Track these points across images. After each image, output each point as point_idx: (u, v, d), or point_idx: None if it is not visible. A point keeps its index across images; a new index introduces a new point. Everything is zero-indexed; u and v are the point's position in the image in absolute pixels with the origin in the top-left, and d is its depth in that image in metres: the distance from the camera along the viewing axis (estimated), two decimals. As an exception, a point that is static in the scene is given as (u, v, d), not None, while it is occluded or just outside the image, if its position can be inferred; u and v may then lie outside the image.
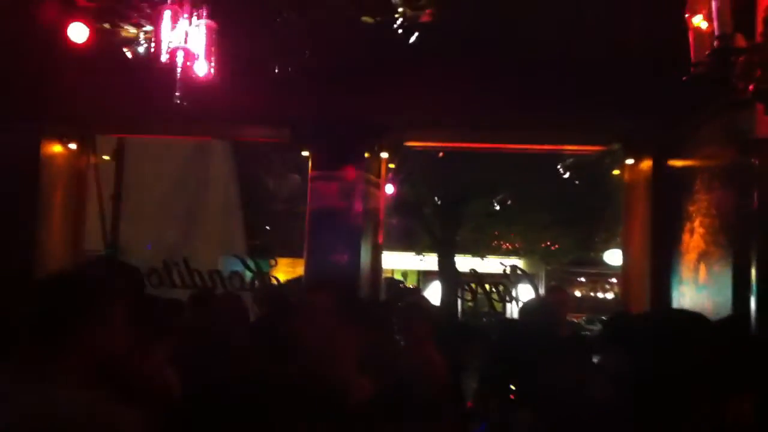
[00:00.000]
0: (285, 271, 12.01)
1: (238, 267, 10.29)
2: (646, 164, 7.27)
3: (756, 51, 2.41)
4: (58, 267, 7.65)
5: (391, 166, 8.37)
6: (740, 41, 2.39)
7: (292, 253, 13.08)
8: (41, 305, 2.34)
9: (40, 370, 2.22)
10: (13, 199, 7.46)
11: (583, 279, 17.18)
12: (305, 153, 7.82)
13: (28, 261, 7.39)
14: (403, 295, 13.00)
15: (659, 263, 6.96)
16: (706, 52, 2.43)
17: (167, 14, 4.79)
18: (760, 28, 2.52)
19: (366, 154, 7.68)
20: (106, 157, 9.22)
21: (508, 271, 12.15)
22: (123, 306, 2.39)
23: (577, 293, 15.83)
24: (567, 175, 13.06)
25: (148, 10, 5.77)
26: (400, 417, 2.64)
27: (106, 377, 2.33)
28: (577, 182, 13.75)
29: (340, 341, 2.68)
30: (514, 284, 12.56)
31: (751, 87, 2.35)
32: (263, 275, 9.67)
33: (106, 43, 6.38)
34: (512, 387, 4.92)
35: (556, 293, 6.17)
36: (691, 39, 2.61)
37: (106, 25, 6.29)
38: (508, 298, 11.47)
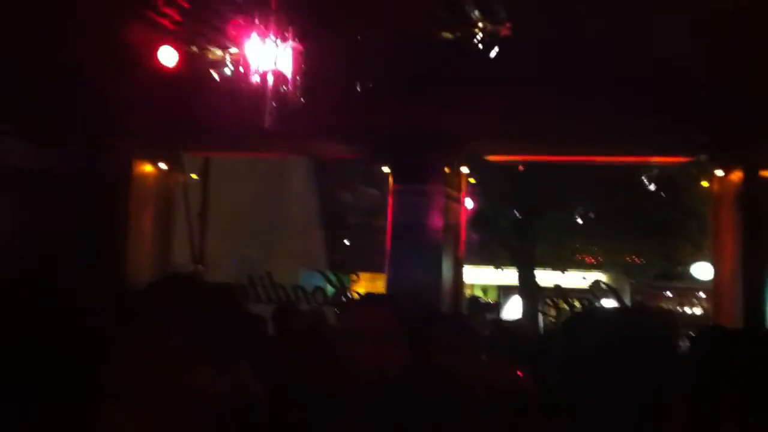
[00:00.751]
0: (365, 285, 12.07)
1: (320, 282, 10.40)
2: (737, 176, 7.04)
3: None
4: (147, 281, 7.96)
5: (472, 180, 8.35)
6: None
7: (372, 267, 13.16)
8: (91, 321, 2.38)
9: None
10: (106, 217, 7.76)
11: (669, 293, 16.65)
12: (385, 168, 7.88)
13: (120, 276, 7.66)
14: (482, 311, 12.90)
15: (752, 277, 6.73)
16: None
17: (254, 37, 4.93)
18: None
19: (446, 169, 7.69)
20: (193, 176, 9.49)
21: (590, 285, 11.89)
22: (175, 320, 2.41)
23: (665, 308, 15.35)
24: (652, 187, 12.73)
25: (234, 33, 5.95)
26: None
27: (154, 391, 2.35)
28: (663, 194, 13.38)
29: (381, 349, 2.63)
30: (599, 299, 12.30)
31: None
32: (345, 290, 9.76)
33: (193, 65, 6.60)
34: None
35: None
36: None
37: (194, 48, 6.51)
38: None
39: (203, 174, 9.96)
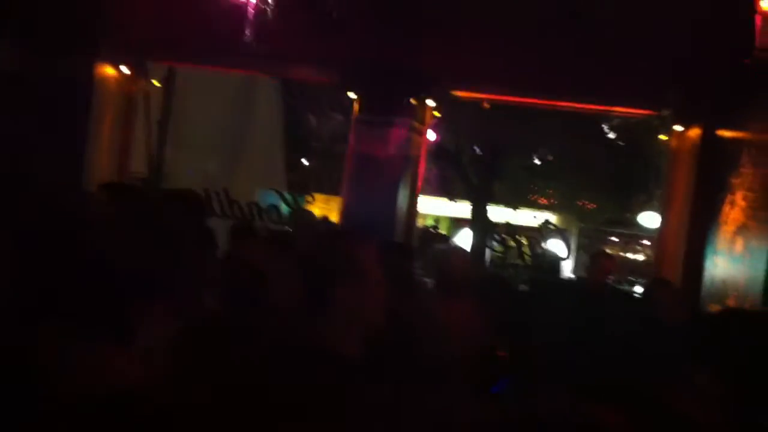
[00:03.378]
0: (320, 207, 12.17)
1: (276, 200, 10.44)
2: (695, 133, 7.24)
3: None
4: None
5: (436, 114, 8.41)
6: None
7: (329, 190, 13.24)
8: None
9: None
10: (67, 120, 7.64)
11: (615, 239, 17.14)
12: (352, 95, 7.88)
13: (79, 180, 7.61)
14: (433, 242, 13.12)
15: (696, 231, 6.99)
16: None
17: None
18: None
19: (413, 101, 7.73)
20: (156, 84, 9.32)
21: (539, 225, 12.16)
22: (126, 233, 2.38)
23: (609, 252, 15.81)
24: (612, 136, 12.95)
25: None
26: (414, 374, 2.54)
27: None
28: (621, 143, 13.65)
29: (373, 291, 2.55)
30: (546, 239, 12.61)
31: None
32: (300, 210, 9.82)
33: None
34: (542, 343, 5.04)
35: (603, 259, 6.19)
36: (757, 22, 2.61)
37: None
38: (538, 252, 11.52)
39: (168, 83, 9.81)
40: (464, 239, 17.02)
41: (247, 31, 5.41)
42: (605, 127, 13.39)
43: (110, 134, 8.39)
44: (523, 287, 7.38)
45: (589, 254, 10.03)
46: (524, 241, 12.64)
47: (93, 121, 7.96)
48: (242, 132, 11.37)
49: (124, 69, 8.28)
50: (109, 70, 8.17)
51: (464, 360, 3.92)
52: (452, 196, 18.00)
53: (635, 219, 16.67)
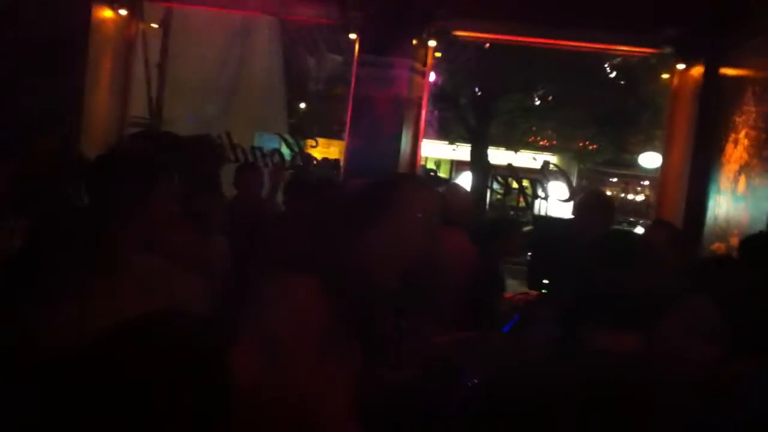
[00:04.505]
0: (320, 151, 12.15)
1: (276, 144, 10.40)
2: (697, 71, 7.18)
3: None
4: (103, 133, 7.90)
5: (437, 54, 8.32)
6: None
7: (328, 134, 13.21)
8: (88, 183, 2.40)
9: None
10: (63, 63, 7.55)
11: (615, 180, 17.17)
12: (353, 36, 7.79)
13: (77, 124, 7.56)
14: (435, 185, 13.12)
15: (698, 170, 6.98)
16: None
17: None
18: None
19: (414, 41, 7.64)
20: (153, 25, 9.19)
21: (540, 166, 12.12)
22: (166, 180, 2.41)
23: (608, 193, 15.85)
24: (612, 75, 12.84)
25: None
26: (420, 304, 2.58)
27: (154, 249, 2.38)
28: (621, 83, 13.53)
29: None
30: (547, 180, 12.61)
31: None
32: (304, 155, 9.80)
33: None
34: (546, 281, 5.11)
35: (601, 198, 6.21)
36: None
37: None
38: (540, 194, 11.51)
39: (165, 25, 9.67)
40: (465, 182, 17.04)
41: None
42: (606, 67, 13.28)
43: (109, 78, 8.30)
44: (526, 228, 7.42)
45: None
46: (525, 182, 12.64)
47: (90, 65, 7.86)
48: (240, 74, 11.27)
49: (121, 11, 8.15)
50: (106, 12, 8.05)
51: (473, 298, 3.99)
52: (453, 139, 17.94)
53: (636, 159, 16.66)
